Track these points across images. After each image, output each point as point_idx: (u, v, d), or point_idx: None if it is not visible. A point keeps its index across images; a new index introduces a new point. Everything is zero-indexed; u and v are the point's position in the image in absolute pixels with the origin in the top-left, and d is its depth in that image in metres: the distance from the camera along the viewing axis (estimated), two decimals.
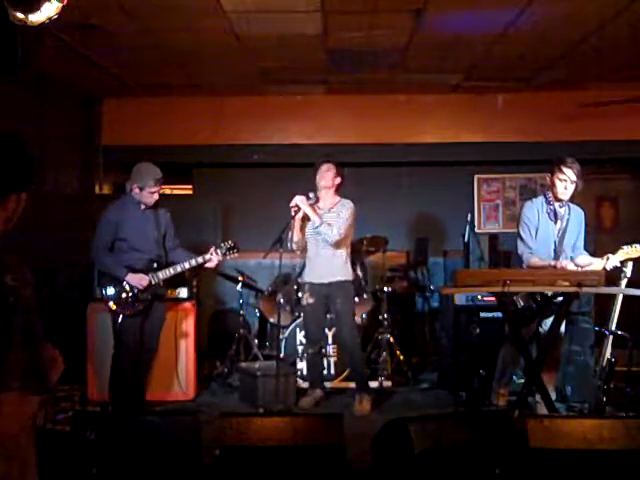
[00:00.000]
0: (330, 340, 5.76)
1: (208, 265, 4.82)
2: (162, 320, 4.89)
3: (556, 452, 2.85)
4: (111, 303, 4.61)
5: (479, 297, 5.40)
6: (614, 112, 6.67)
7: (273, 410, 4.74)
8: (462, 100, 6.97)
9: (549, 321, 4.53)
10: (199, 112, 6.97)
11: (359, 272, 6.06)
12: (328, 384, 5.61)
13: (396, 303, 6.69)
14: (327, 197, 5.16)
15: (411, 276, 7.20)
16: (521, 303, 4.48)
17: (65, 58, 5.44)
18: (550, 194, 4.62)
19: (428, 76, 6.33)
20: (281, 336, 5.82)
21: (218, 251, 4.78)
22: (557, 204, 4.60)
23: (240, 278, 6.25)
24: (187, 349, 5.44)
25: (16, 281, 1.60)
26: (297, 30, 4.93)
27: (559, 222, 4.63)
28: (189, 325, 5.47)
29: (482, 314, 5.39)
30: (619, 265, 4.38)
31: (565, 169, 4.47)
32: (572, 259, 4.62)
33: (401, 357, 6.07)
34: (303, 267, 5.42)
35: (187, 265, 4.74)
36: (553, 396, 4.53)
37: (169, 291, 5.15)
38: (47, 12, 3.01)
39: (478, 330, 5.31)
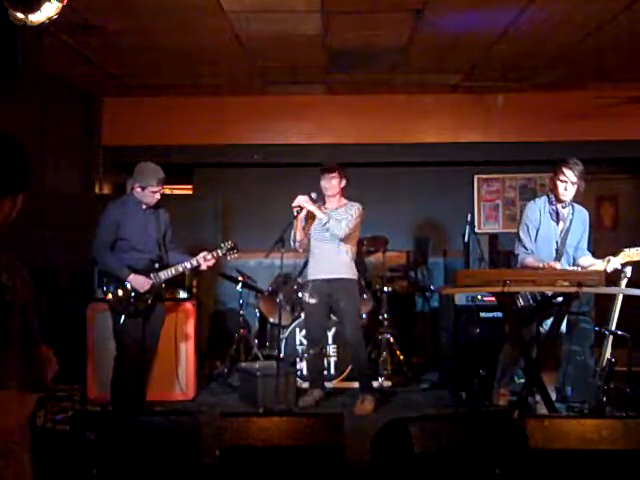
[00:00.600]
0: (330, 340, 5.77)
1: (208, 264, 4.74)
2: (162, 320, 4.87)
3: (556, 452, 2.85)
4: (112, 303, 4.59)
5: (479, 297, 5.40)
6: (614, 112, 6.68)
7: (273, 410, 4.74)
8: (462, 100, 6.97)
9: (549, 321, 4.53)
10: (199, 112, 6.97)
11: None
12: (328, 384, 5.61)
13: (396, 303, 6.69)
14: (334, 201, 5.16)
15: (411, 276, 7.20)
16: (521, 302, 4.48)
17: (65, 58, 5.45)
18: (552, 195, 4.63)
19: (428, 76, 6.34)
20: (281, 336, 5.81)
21: (219, 252, 4.73)
22: (559, 205, 4.60)
23: (240, 278, 6.25)
24: (187, 349, 5.43)
25: (13, 280, 1.60)
26: (297, 30, 4.93)
27: (561, 223, 4.62)
28: (189, 325, 5.47)
29: (482, 314, 5.38)
30: (619, 267, 4.39)
31: (566, 170, 4.47)
32: (575, 260, 4.63)
33: (401, 357, 6.07)
34: (304, 267, 5.41)
35: (188, 265, 4.69)
36: (553, 396, 4.53)
37: (169, 291, 5.14)
38: (47, 12, 3.01)
39: (478, 330, 5.31)
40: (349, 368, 5.65)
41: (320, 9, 4.52)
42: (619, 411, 4.37)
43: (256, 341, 6.29)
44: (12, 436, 1.60)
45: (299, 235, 5.10)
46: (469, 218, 6.35)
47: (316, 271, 5.17)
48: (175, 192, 8.14)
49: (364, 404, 5.03)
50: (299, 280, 6.05)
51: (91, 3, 4.28)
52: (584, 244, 4.68)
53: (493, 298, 4.86)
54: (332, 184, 5.09)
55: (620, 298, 4.34)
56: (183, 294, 5.55)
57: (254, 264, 6.90)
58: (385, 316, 6.07)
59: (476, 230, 7.01)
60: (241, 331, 6.18)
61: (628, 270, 4.35)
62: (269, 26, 4.84)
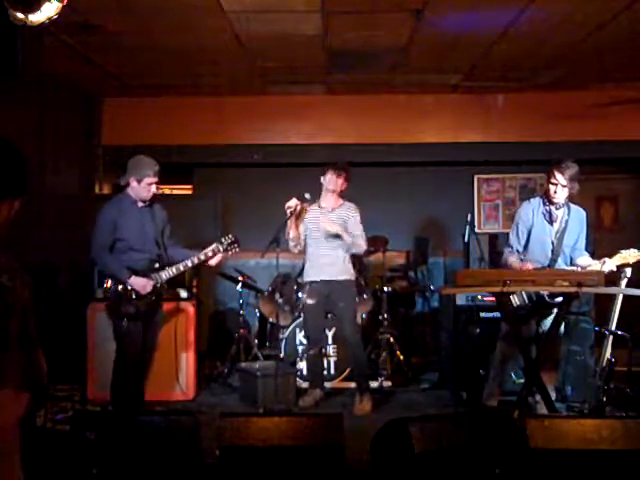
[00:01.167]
0: (330, 340, 5.77)
1: (210, 263, 4.67)
2: (161, 320, 4.84)
3: (556, 452, 2.85)
4: (113, 306, 4.50)
5: (479, 297, 5.40)
6: (614, 112, 6.68)
7: (273, 410, 4.74)
8: (462, 100, 6.97)
9: (548, 321, 4.53)
10: (199, 112, 6.97)
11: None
12: (328, 384, 5.61)
13: (396, 303, 6.69)
14: (330, 198, 5.19)
15: (411, 276, 7.20)
16: (516, 301, 4.48)
17: (65, 58, 5.45)
18: (545, 196, 4.62)
19: (428, 76, 6.34)
20: (281, 336, 5.82)
21: (220, 247, 4.64)
22: (552, 206, 4.58)
23: (240, 278, 6.25)
24: (187, 349, 5.44)
25: (14, 281, 1.60)
26: (297, 30, 4.93)
27: (556, 224, 4.59)
28: (189, 325, 5.46)
29: (482, 314, 5.39)
30: (614, 269, 4.37)
31: (556, 173, 4.42)
32: (572, 260, 4.62)
33: (401, 357, 6.07)
34: (303, 267, 5.42)
35: (189, 263, 4.58)
36: (553, 396, 4.52)
37: (169, 291, 5.12)
38: (47, 12, 3.01)
39: (478, 330, 5.31)
40: (349, 368, 5.65)
41: (320, 9, 4.52)
42: (619, 411, 4.37)
43: (256, 341, 6.29)
44: (6, 435, 1.59)
45: (292, 232, 5.13)
46: (469, 218, 6.35)
47: (313, 273, 5.19)
48: (175, 192, 8.14)
49: (362, 404, 5.04)
50: (299, 280, 6.04)
51: (91, 3, 4.28)
52: (581, 244, 4.65)
53: (493, 298, 4.86)
54: (338, 183, 5.13)
55: (620, 298, 4.33)
56: (183, 294, 5.55)
57: (254, 264, 6.90)
58: (385, 316, 6.07)
59: (476, 230, 7.01)
60: (241, 331, 6.18)
61: (628, 270, 4.34)
62: (269, 26, 4.84)
